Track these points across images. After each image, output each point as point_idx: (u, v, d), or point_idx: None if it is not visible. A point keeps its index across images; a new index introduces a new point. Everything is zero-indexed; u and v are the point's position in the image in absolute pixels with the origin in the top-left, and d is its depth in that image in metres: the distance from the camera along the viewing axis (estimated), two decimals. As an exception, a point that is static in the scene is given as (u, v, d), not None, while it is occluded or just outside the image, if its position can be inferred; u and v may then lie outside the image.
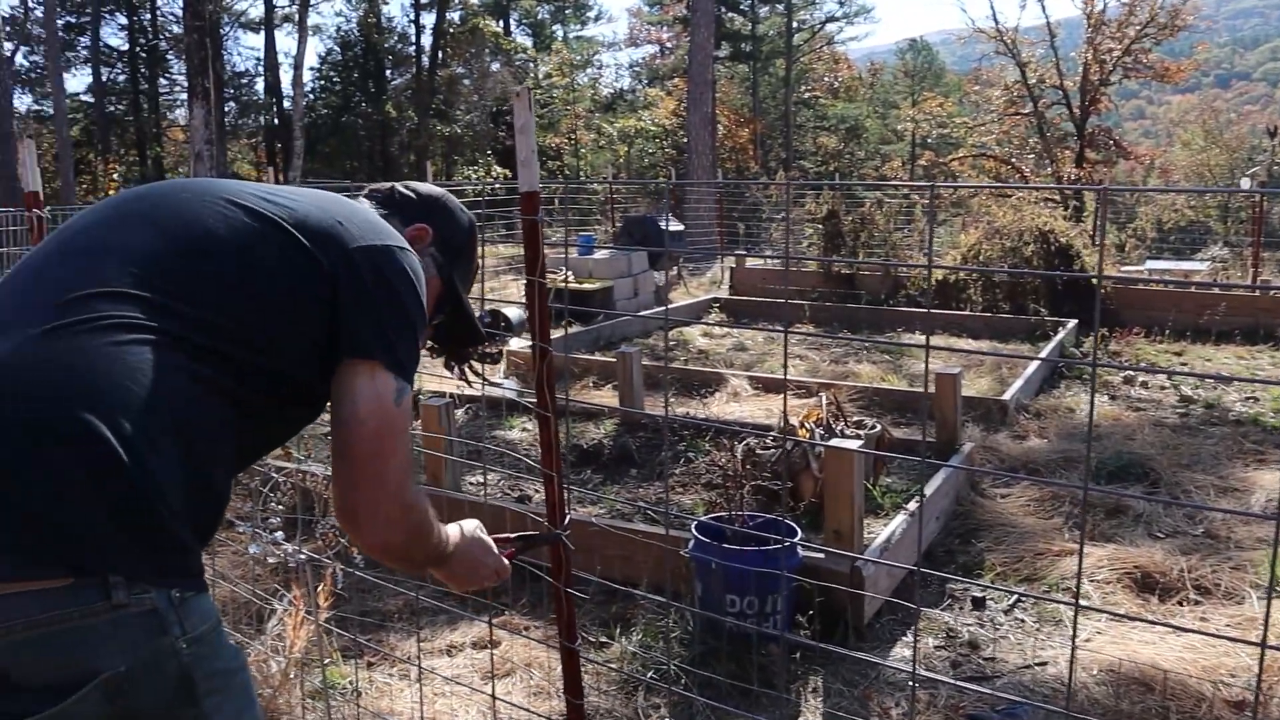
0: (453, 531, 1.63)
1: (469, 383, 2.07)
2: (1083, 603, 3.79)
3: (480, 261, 1.82)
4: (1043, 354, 7.98)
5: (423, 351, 1.61)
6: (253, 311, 1.32)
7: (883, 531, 3.94)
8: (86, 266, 1.29)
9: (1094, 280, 9.81)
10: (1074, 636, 1.37)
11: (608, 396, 6.93)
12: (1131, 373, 7.45)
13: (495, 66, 34.41)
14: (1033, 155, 30.95)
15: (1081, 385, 7.22)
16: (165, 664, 1.16)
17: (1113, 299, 9.98)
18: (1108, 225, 13.53)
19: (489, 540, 1.72)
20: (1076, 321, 9.35)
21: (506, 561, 1.73)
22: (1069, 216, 11.89)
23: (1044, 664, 3.36)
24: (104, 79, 33.68)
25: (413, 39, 36.20)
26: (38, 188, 3.67)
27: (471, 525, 1.70)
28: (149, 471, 1.16)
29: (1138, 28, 26.66)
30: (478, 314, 1.91)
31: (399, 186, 1.72)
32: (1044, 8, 28.82)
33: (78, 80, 34.69)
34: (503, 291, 12.30)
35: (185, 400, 1.23)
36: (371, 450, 1.34)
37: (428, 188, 1.74)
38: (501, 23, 38.13)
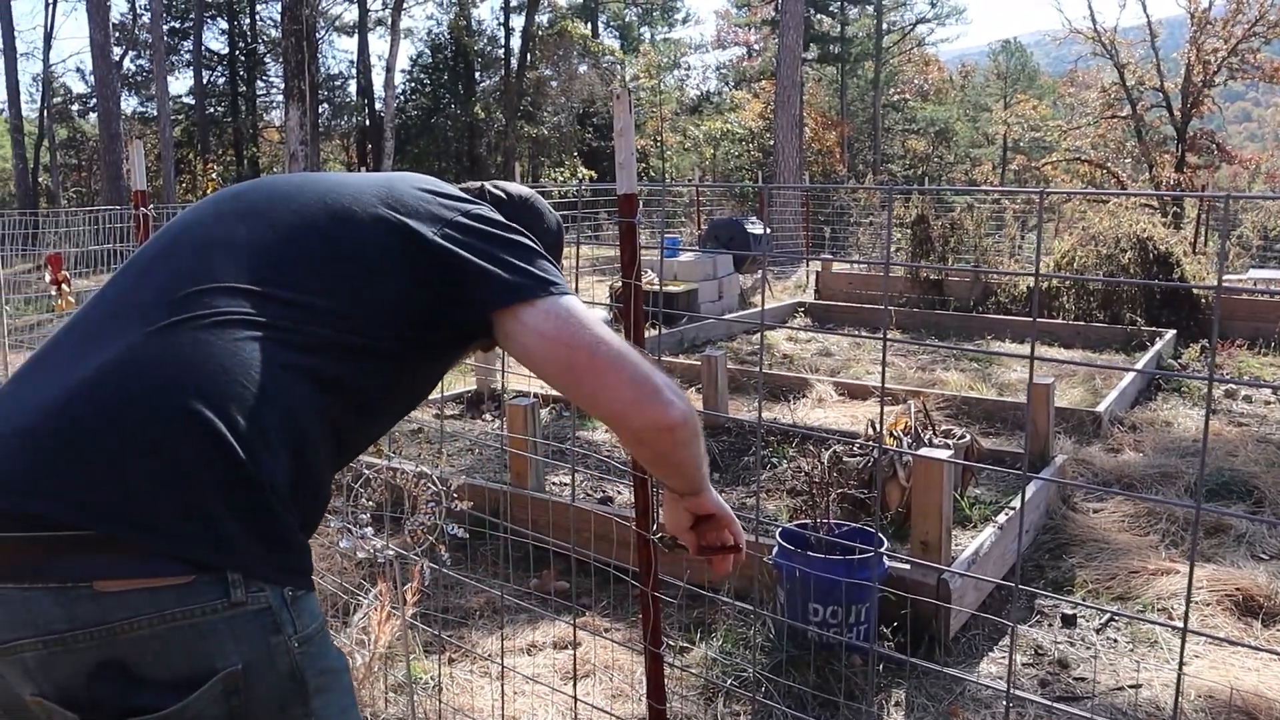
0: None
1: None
2: (1184, 625, 3.66)
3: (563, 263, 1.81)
4: (1140, 364, 7.75)
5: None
6: (359, 298, 1.32)
7: (971, 544, 3.86)
8: (196, 262, 1.30)
9: (1195, 290, 9.49)
10: (1180, 661, 1.32)
11: (691, 399, 6.92)
12: (1234, 386, 7.19)
13: (583, 68, 34.67)
14: (1130, 159, 30.11)
15: (1180, 398, 6.99)
16: (279, 662, 1.17)
17: (1213, 308, 9.64)
18: (1210, 233, 13.09)
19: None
20: (1175, 332, 9.07)
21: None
22: (1168, 223, 11.52)
23: (1138, 687, 3.25)
24: (205, 82, 34.78)
25: (502, 41, 36.67)
26: (145, 187, 3.80)
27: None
28: (264, 468, 1.17)
29: (1245, 26, 25.75)
30: None
31: (489, 185, 1.71)
32: (1145, 7, 28.07)
33: (180, 83, 35.90)
34: (588, 293, 12.37)
35: (294, 395, 1.23)
36: (572, 362, 1.34)
37: (517, 188, 1.74)
38: (589, 25, 38.40)
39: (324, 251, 1.33)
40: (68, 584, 1.09)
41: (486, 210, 1.46)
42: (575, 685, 2.79)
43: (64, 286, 4.88)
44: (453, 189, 1.52)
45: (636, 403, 1.35)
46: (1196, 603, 3.77)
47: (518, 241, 1.42)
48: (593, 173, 29.08)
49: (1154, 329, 9.18)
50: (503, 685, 3.04)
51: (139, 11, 34.47)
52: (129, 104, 34.45)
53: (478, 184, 1.72)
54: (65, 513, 1.10)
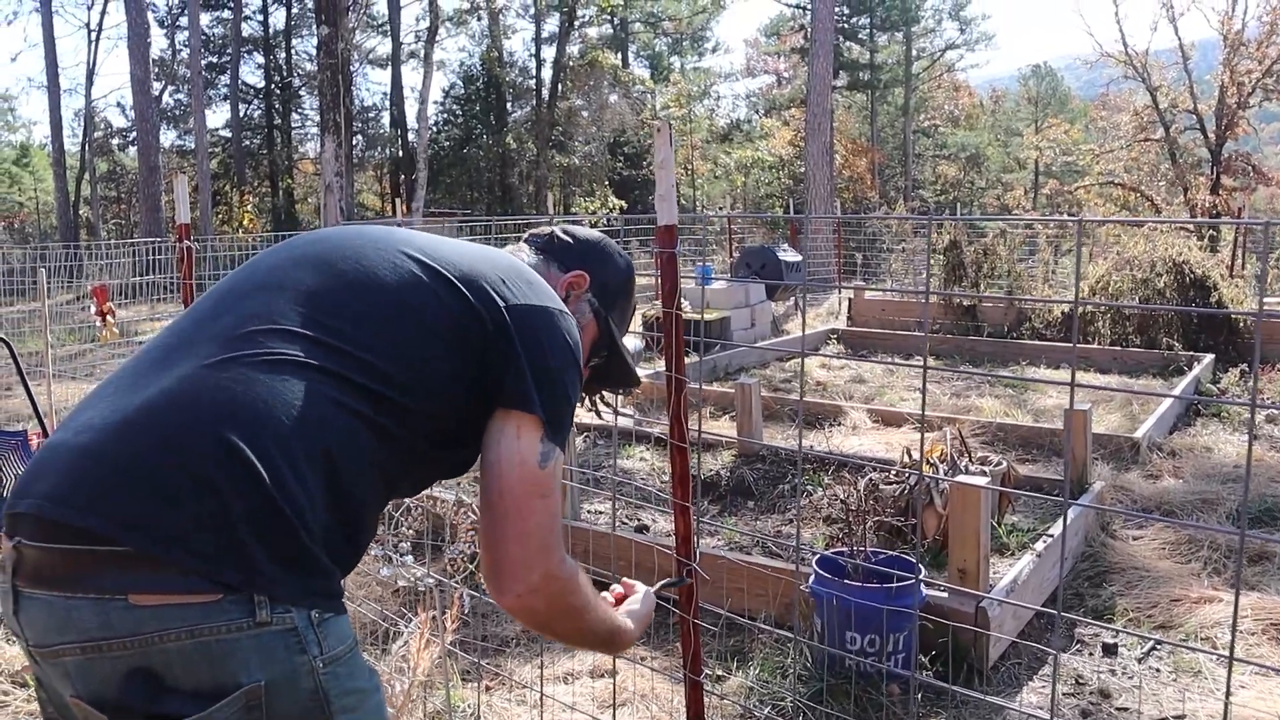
0: (626, 621, 1.66)
1: (600, 414, 2.10)
2: (1227, 654, 3.61)
3: (635, 304, 1.81)
4: (1178, 390, 7.67)
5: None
6: (412, 356, 1.37)
7: (1009, 571, 3.84)
8: (261, 303, 1.37)
9: (1233, 314, 9.40)
10: (1228, 691, 1.31)
11: (724, 427, 6.92)
12: (1276, 411, 7.10)
13: (613, 98, 34.91)
14: (1164, 183, 29.87)
15: (1220, 424, 6.91)
16: (302, 681, 1.23)
17: (1252, 333, 9.54)
18: (1247, 255, 12.96)
19: (649, 596, 1.77)
20: (1213, 356, 8.97)
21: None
22: (1205, 246, 11.40)
23: (1182, 717, 3.21)
24: (241, 115, 35.37)
25: (533, 72, 37.04)
26: (188, 220, 3.87)
27: (645, 608, 1.74)
28: (291, 496, 1.23)
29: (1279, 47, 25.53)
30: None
31: (558, 231, 1.74)
32: (1176, 30, 27.81)
33: (217, 116, 36.49)
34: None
35: (335, 433, 1.29)
36: (512, 507, 1.37)
37: (586, 232, 1.76)
38: (620, 55, 38.68)
39: (382, 306, 1.39)
40: (105, 595, 1.17)
41: (551, 316, 1.47)
42: (614, 714, 2.79)
43: (109, 318, 4.97)
44: (524, 270, 1.54)
45: (502, 574, 1.39)
46: (1241, 632, 3.73)
47: (557, 368, 1.44)
48: (623, 202, 29.22)
49: (1191, 354, 9.08)
50: (541, 713, 3.05)
51: (178, 47, 35.16)
52: (168, 137, 35.11)
53: (548, 230, 1.74)
54: (109, 529, 1.17)
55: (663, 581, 1.87)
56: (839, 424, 6.98)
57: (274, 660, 1.20)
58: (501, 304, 1.43)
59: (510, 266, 1.52)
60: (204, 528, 1.19)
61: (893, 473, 4.50)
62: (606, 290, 1.71)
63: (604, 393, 2.07)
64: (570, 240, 1.72)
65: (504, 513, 1.37)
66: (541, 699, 3.05)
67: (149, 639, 1.17)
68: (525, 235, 1.76)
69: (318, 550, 1.26)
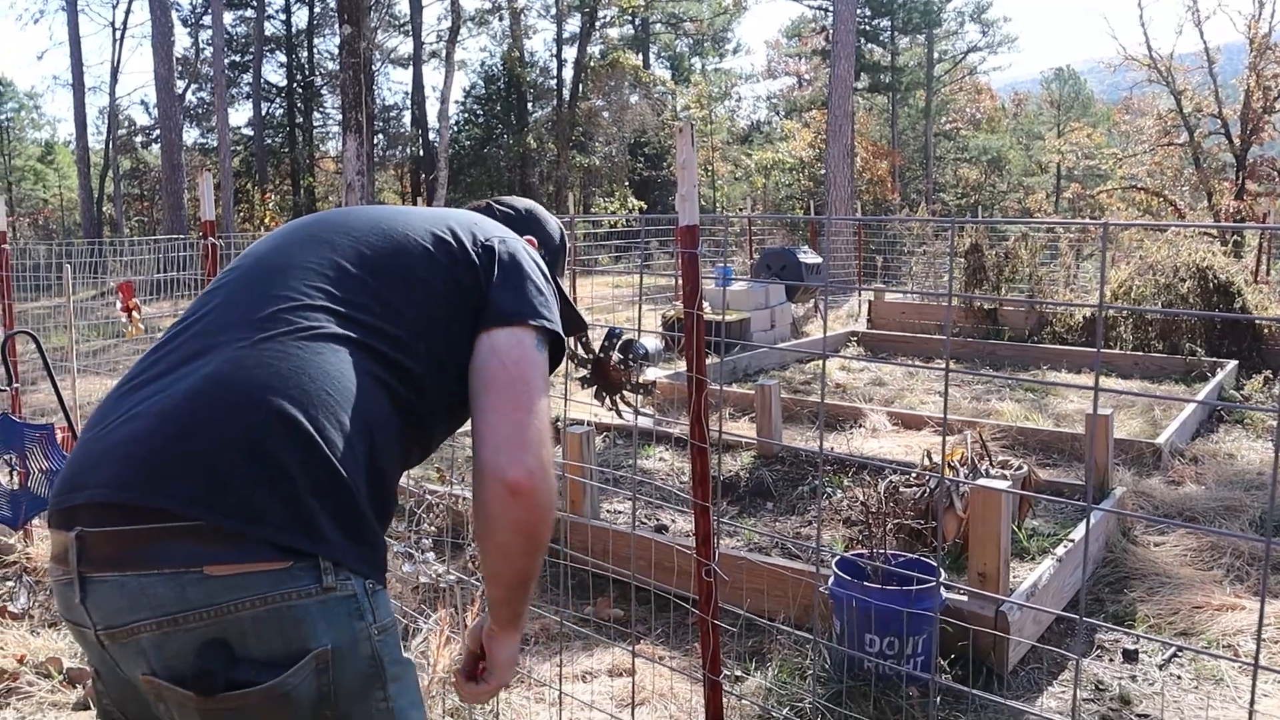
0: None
1: (620, 414, 2.11)
2: (1251, 662, 3.58)
3: (566, 257, 2.00)
4: (1201, 395, 7.62)
5: (574, 380, 1.68)
6: (421, 322, 1.44)
7: (1029, 576, 3.82)
8: (275, 286, 1.43)
9: (1257, 321, 9.31)
10: (1252, 699, 1.30)
11: (744, 428, 6.92)
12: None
13: (634, 99, 34.93)
14: (1187, 187, 29.63)
15: (1243, 430, 6.85)
16: (361, 646, 1.29)
17: (1277, 339, 9.46)
18: (1271, 262, 12.84)
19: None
20: (1236, 363, 8.90)
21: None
22: (1228, 251, 11.31)
23: (1204, 723, 3.19)
24: (263, 113, 35.55)
25: (554, 72, 37.07)
26: (213, 217, 3.90)
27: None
28: (349, 469, 1.29)
29: (1308, 51, 25.29)
30: (615, 344, 1.98)
31: (493, 203, 1.89)
32: (1202, 33, 27.54)
33: (239, 114, 36.74)
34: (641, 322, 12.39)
35: (370, 404, 1.35)
36: (517, 375, 1.40)
37: (523, 202, 1.92)
38: (641, 56, 38.70)
39: (390, 274, 1.46)
40: (181, 569, 1.21)
41: (522, 244, 1.60)
42: (633, 712, 2.80)
43: (134, 314, 5.01)
44: (488, 219, 1.66)
45: (509, 445, 1.36)
46: (1265, 640, 3.70)
47: (539, 280, 1.55)
48: (642, 203, 29.22)
49: (1214, 360, 9.01)
50: (560, 711, 3.06)
51: (201, 46, 35.42)
52: (190, 135, 35.34)
53: (484, 201, 1.90)
54: (182, 506, 1.22)
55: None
56: (859, 426, 6.97)
57: (339, 625, 1.26)
58: (480, 241, 1.53)
59: (473, 216, 1.64)
60: (271, 498, 1.23)
61: (913, 475, 4.49)
62: (549, 249, 1.87)
63: (625, 393, 2.08)
64: (511, 210, 1.88)
65: (509, 380, 1.39)
66: (560, 697, 3.06)
67: (224, 608, 1.21)
68: (466, 207, 1.86)
69: (372, 519, 1.32)
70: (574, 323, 1.86)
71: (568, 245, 1.98)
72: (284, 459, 1.25)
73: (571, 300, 1.82)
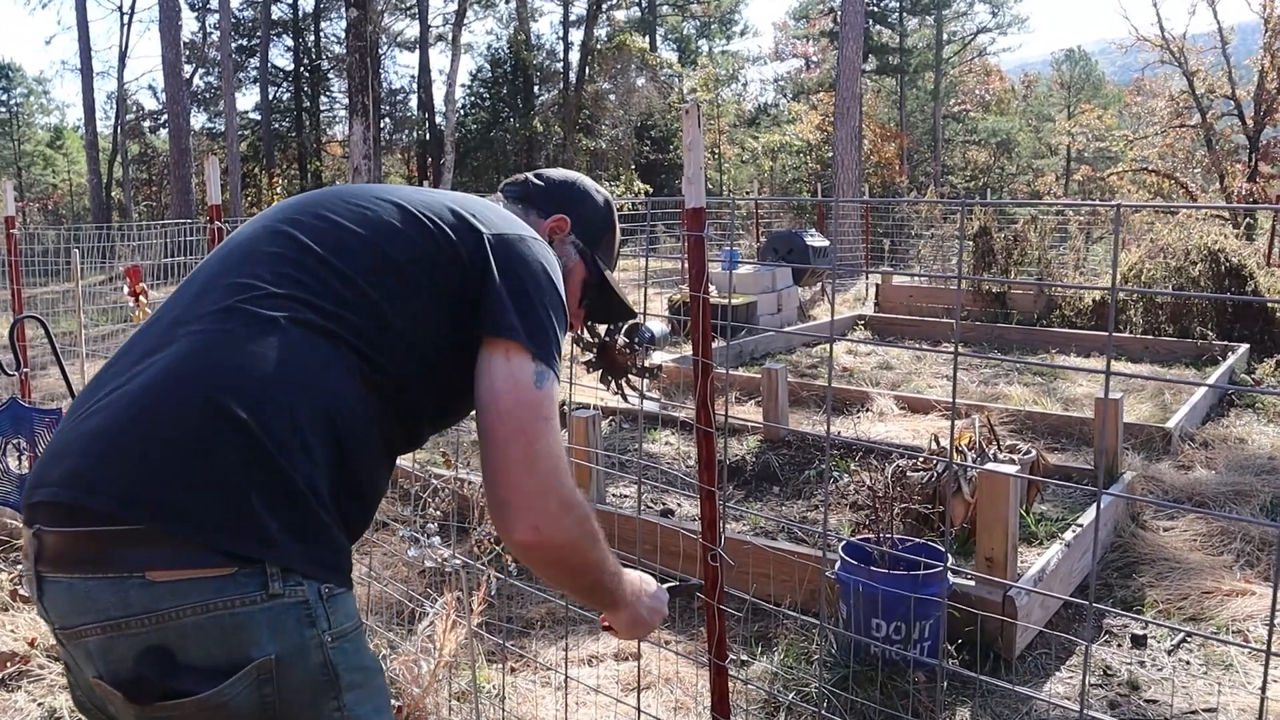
0: (629, 574, 1.58)
1: (625, 398, 2.09)
2: (1262, 648, 3.57)
3: (619, 237, 1.82)
4: (1212, 379, 7.58)
5: (580, 364, 1.63)
6: (399, 308, 1.36)
7: (1037, 561, 3.81)
8: (244, 273, 1.36)
9: (1269, 303, 9.25)
10: (1264, 685, 1.29)
11: (750, 412, 6.90)
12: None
13: (641, 82, 34.79)
14: (1199, 169, 29.45)
15: (1254, 415, 6.81)
16: (311, 654, 1.23)
17: (1287, 322, 9.41)
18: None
19: (661, 591, 1.69)
20: (1247, 346, 8.85)
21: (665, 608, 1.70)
22: (1240, 234, 11.24)
23: (1214, 711, 3.17)
24: (270, 98, 35.53)
25: (560, 55, 36.98)
26: (219, 201, 3.90)
27: (638, 575, 1.66)
28: (299, 464, 1.23)
29: (1323, 31, 25.04)
30: (621, 327, 1.92)
31: (531, 177, 1.74)
32: (1215, 13, 27.32)
33: (247, 99, 36.69)
34: (647, 305, 12.37)
35: (333, 394, 1.29)
36: (513, 430, 1.31)
37: (562, 174, 1.76)
38: (648, 38, 38.56)
39: (365, 259, 1.37)
40: (124, 574, 1.18)
41: (526, 243, 1.46)
42: (639, 697, 2.80)
43: (142, 299, 5.01)
44: (495, 207, 1.54)
45: (508, 509, 1.32)
46: (1277, 626, 3.68)
47: (538, 290, 1.42)
48: (648, 186, 29.16)
49: (1226, 343, 8.97)
50: (565, 695, 3.06)
51: (209, 30, 35.38)
52: (198, 120, 35.33)
53: (522, 176, 1.76)
54: (122, 508, 1.18)
55: (672, 584, 1.82)
56: (866, 410, 6.95)
57: (285, 633, 1.21)
58: (475, 236, 1.42)
59: (482, 203, 1.52)
60: (215, 501, 1.19)
61: (920, 460, 4.47)
62: (590, 228, 1.72)
63: (631, 377, 2.06)
64: (544, 184, 1.73)
65: (506, 437, 1.31)
66: (566, 681, 3.06)
67: (165, 615, 1.17)
68: (500, 186, 1.76)
69: (328, 519, 1.26)
70: (619, 311, 1.80)
71: (615, 219, 1.79)
72: (228, 460, 1.21)
73: (617, 288, 1.74)
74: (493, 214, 1.49)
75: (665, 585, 1.78)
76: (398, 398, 1.37)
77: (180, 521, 1.18)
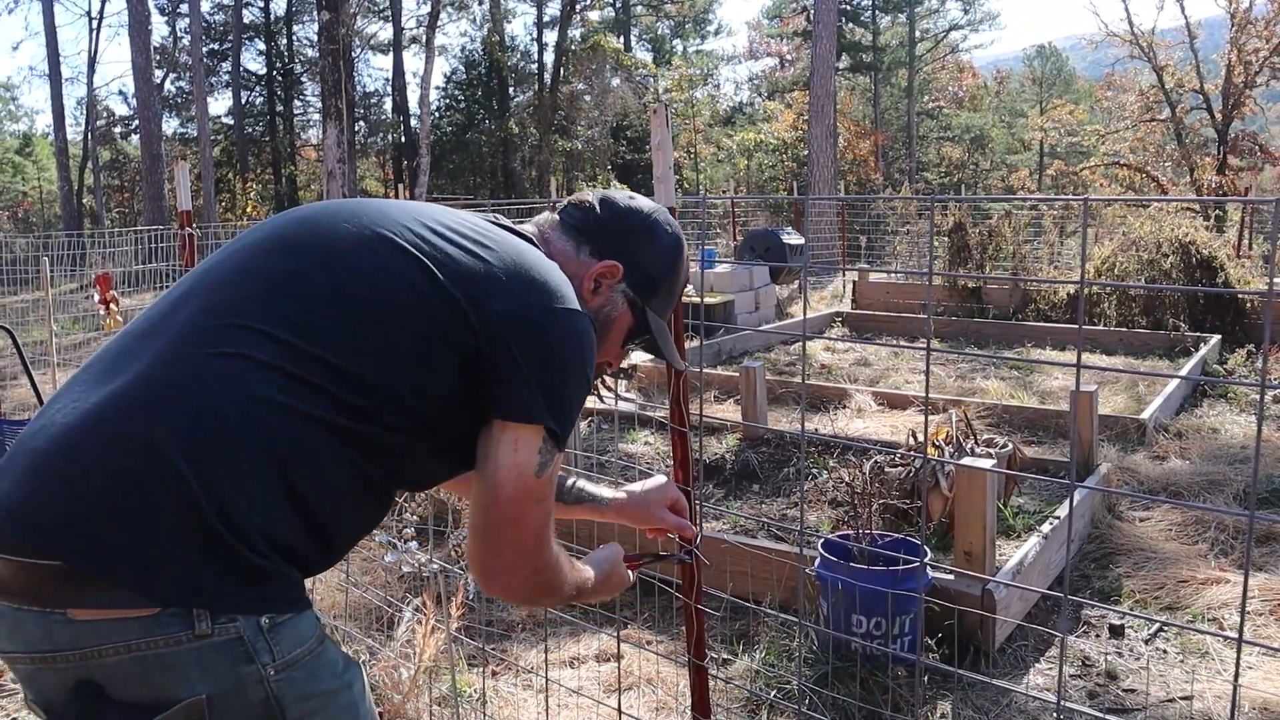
0: (590, 572, 1.58)
1: (600, 398, 2.08)
2: (1235, 635, 3.60)
3: (686, 277, 1.63)
4: (1184, 371, 7.64)
5: None
6: (384, 360, 1.28)
7: (1015, 554, 3.83)
8: (225, 295, 1.31)
9: (1239, 294, 9.35)
10: (1236, 672, 1.30)
11: (728, 411, 6.91)
12: (1282, 391, 7.07)
13: (616, 82, 34.77)
14: (1170, 163, 29.73)
15: (1227, 405, 6.88)
16: (250, 691, 1.20)
17: (1259, 313, 9.50)
18: (1255, 236, 12.89)
19: (619, 555, 1.69)
20: (1219, 337, 8.94)
21: (631, 574, 1.71)
22: (1211, 226, 11.35)
23: (1190, 698, 3.20)
24: (243, 102, 35.29)
25: (535, 57, 36.88)
26: (190, 207, 3.86)
27: (606, 552, 1.67)
28: (230, 511, 1.18)
29: (1287, 26, 25.33)
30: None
31: (597, 204, 1.53)
32: (1183, 8, 27.59)
33: (219, 104, 36.46)
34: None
35: (285, 438, 1.22)
36: (509, 515, 1.31)
37: (631, 207, 1.54)
38: (622, 39, 38.50)
39: (353, 303, 1.29)
40: (47, 609, 1.16)
41: (554, 318, 1.34)
42: (619, 698, 2.79)
43: (112, 306, 4.97)
44: (527, 258, 1.38)
45: (483, 573, 1.37)
46: (1249, 613, 3.71)
47: (559, 377, 1.33)
48: (625, 186, 29.14)
49: (1198, 335, 9.05)
50: (546, 698, 3.05)
51: (179, 34, 35.08)
52: (170, 125, 35.08)
53: (587, 200, 1.55)
54: (43, 545, 1.16)
55: (654, 553, 1.83)
56: (844, 407, 6.97)
57: (218, 671, 1.18)
58: (498, 308, 1.30)
59: (514, 258, 1.36)
60: (141, 543, 1.16)
61: (898, 455, 4.49)
62: (647, 275, 1.53)
63: (606, 377, 2.05)
64: (608, 216, 1.52)
65: (499, 519, 1.31)
66: (547, 684, 3.05)
67: (89, 653, 1.16)
68: (562, 204, 1.56)
69: (263, 561, 1.20)
70: (667, 359, 1.67)
71: (681, 267, 1.58)
72: (155, 503, 1.16)
73: (665, 342, 1.60)
74: (520, 271, 1.35)
75: (650, 555, 1.81)
76: (380, 443, 1.30)
77: (100, 563, 1.15)
